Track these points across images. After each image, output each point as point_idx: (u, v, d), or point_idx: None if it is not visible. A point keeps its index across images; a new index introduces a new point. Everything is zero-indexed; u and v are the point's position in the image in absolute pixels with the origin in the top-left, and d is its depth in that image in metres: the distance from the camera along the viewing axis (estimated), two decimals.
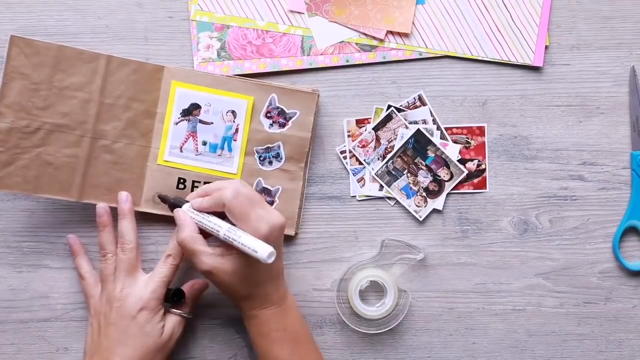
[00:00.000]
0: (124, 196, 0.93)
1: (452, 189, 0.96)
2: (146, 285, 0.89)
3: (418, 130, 0.95)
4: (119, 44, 0.96)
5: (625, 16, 0.97)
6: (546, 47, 0.96)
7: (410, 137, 0.95)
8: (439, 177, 0.96)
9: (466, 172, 0.96)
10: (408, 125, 0.96)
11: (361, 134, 0.96)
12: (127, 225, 0.92)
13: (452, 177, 0.96)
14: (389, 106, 0.96)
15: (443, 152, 0.95)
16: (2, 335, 0.96)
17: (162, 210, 0.94)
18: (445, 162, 0.95)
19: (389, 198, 0.96)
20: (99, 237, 0.93)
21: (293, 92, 0.94)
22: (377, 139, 0.96)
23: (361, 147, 0.96)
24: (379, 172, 0.96)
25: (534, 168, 0.97)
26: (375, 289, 0.95)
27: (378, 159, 0.96)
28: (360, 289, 0.93)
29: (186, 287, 0.94)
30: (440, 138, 0.96)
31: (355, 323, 0.94)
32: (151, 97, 0.94)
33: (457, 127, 0.96)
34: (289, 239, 0.96)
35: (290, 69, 0.96)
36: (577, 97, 0.97)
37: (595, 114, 0.97)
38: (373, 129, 0.96)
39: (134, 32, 0.97)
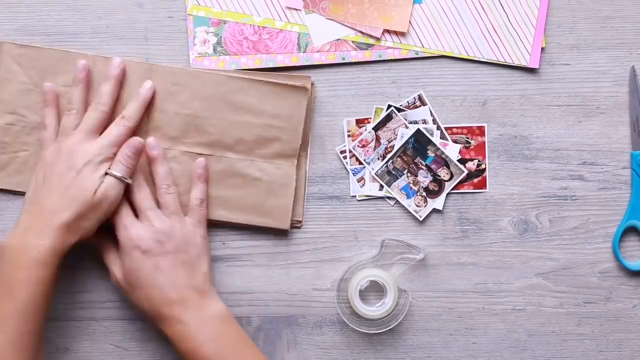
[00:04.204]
0: (116, 61, 0.93)
1: (452, 189, 0.96)
2: (97, 142, 0.89)
3: (418, 130, 0.95)
4: (119, 44, 0.96)
5: (625, 16, 0.97)
6: (542, 48, 0.96)
7: (410, 137, 0.95)
8: (439, 177, 0.96)
9: (466, 172, 0.96)
10: (408, 125, 0.96)
11: (361, 133, 0.96)
12: (107, 88, 0.92)
13: (452, 177, 0.96)
14: (389, 106, 0.96)
15: (443, 152, 0.95)
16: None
17: None
18: (445, 162, 0.95)
19: (389, 198, 0.96)
20: (71, 91, 0.92)
21: (283, 87, 0.93)
22: (377, 139, 0.96)
23: (361, 147, 0.96)
24: (379, 172, 0.96)
25: (534, 168, 0.97)
26: (375, 289, 0.95)
27: (378, 158, 0.96)
28: (360, 289, 0.93)
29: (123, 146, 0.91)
30: (440, 138, 0.96)
31: (355, 323, 0.94)
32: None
33: (457, 127, 0.96)
34: (286, 235, 0.96)
35: (286, 65, 0.96)
36: (577, 97, 0.97)
37: (595, 114, 0.97)
38: (373, 128, 0.96)
39: (134, 32, 0.97)
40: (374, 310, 0.93)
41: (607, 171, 0.97)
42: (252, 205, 0.94)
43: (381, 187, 0.96)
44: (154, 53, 0.96)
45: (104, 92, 0.91)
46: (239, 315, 0.96)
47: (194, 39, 0.96)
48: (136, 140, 0.90)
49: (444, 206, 0.96)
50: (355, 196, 0.97)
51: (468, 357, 0.96)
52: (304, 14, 0.96)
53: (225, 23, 0.96)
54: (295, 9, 0.96)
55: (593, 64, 0.97)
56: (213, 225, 0.95)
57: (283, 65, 0.96)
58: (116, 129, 0.90)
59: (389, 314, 0.93)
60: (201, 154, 0.94)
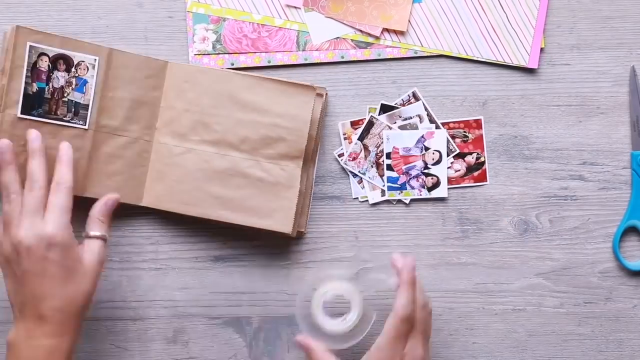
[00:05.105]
0: (33, 134, 0.85)
1: (453, 186, 0.96)
2: (46, 221, 0.82)
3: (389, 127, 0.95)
4: (119, 43, 0.96)
5: (625, 16, 0.97)
6: (542, 49, 0.96)
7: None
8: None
9: (458, 150, 0.96)
10: (391, 125, 0.95)
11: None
12: (36, 164, 0.84)
13: (440, 158, 0.95)
14: (382, 105, 0.96)
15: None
16: (2, 335, 0.96)
17: (163, 206, 0.94)
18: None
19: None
20: (1, 176, 0.84)
21: (290, 85, 0.93)
22: (366, 148, 0.96)
23: (352, 160, 0.96)
24: (376, 179, 0.96)
25: (534, 168, 0.97)
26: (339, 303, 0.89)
27: (372, 166, 0.96)
28: (324, 301, 0.87)
29: (99, 205, 0.88)
30: (436, 128, 0.96)
31: (312, 333, 0.87)
32: (155, 91, 0.94)
33: (453, 122, 0.96)
34: (288, 240, 0.96)
35: (285, 63, 0.96)
36: (577, 97, 0.97)
37: (595, 114, 0.97)
38: (359, 139, 0.96)
39: (134, 32, 0.97)
40: (334, 324, 0.87)
41: (607, 171, 0.97)
42: (254, 206, 0.93)
43: (383, 192, 0.96)
44: (154, 53, 0.96)
45: (34, 169, 0.84)
46: (239, 315, 0.96)
47: (193, 36, 0.96)
48: (112, 198, 0.89)
49: (445, 204, 0.96)
50: (357, 198, 0.97)
51: (468, 357, 0.96)
52: (304, 12, 0.97)
53: (224, 20, 0.97)
54: (295, 7, 0.97)
55: (593, 64, 0.97)
56: (214, 225, 0.95)
57: (282, 64, 0.96)
58: (60, 198, 0.83)
59: (350, 332, 0.87)
60: (207, 152, 0.94)
